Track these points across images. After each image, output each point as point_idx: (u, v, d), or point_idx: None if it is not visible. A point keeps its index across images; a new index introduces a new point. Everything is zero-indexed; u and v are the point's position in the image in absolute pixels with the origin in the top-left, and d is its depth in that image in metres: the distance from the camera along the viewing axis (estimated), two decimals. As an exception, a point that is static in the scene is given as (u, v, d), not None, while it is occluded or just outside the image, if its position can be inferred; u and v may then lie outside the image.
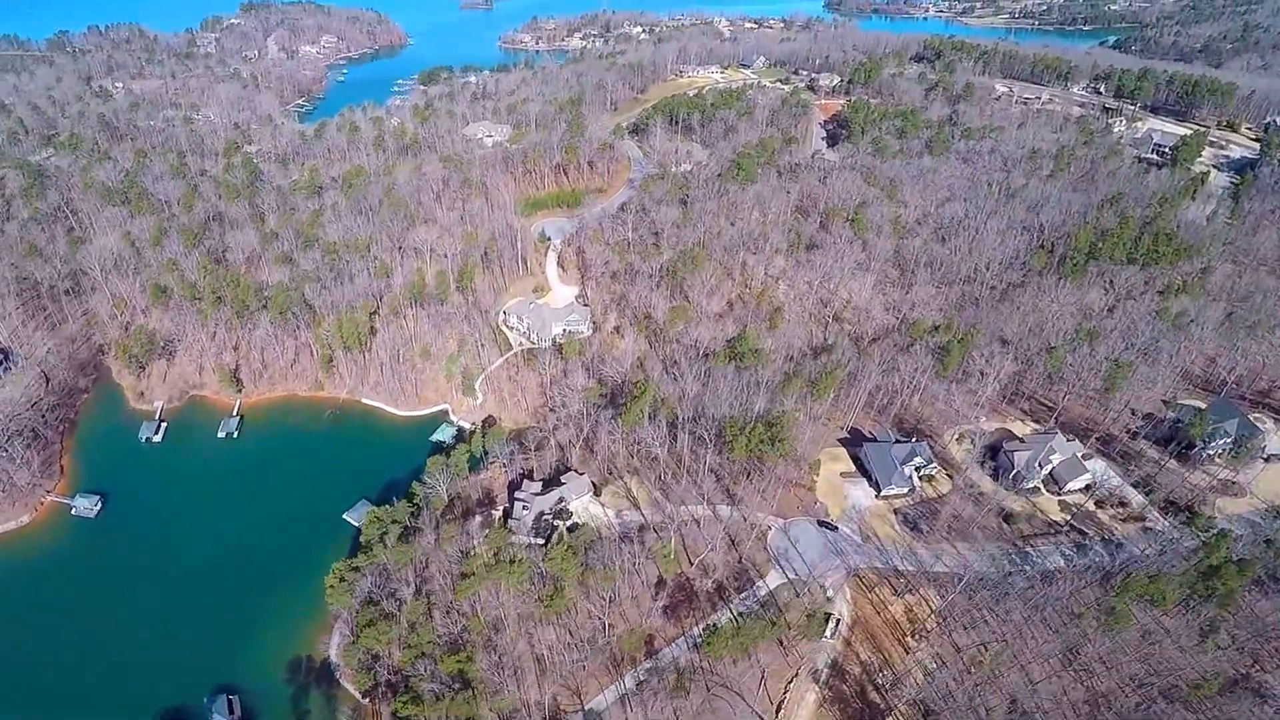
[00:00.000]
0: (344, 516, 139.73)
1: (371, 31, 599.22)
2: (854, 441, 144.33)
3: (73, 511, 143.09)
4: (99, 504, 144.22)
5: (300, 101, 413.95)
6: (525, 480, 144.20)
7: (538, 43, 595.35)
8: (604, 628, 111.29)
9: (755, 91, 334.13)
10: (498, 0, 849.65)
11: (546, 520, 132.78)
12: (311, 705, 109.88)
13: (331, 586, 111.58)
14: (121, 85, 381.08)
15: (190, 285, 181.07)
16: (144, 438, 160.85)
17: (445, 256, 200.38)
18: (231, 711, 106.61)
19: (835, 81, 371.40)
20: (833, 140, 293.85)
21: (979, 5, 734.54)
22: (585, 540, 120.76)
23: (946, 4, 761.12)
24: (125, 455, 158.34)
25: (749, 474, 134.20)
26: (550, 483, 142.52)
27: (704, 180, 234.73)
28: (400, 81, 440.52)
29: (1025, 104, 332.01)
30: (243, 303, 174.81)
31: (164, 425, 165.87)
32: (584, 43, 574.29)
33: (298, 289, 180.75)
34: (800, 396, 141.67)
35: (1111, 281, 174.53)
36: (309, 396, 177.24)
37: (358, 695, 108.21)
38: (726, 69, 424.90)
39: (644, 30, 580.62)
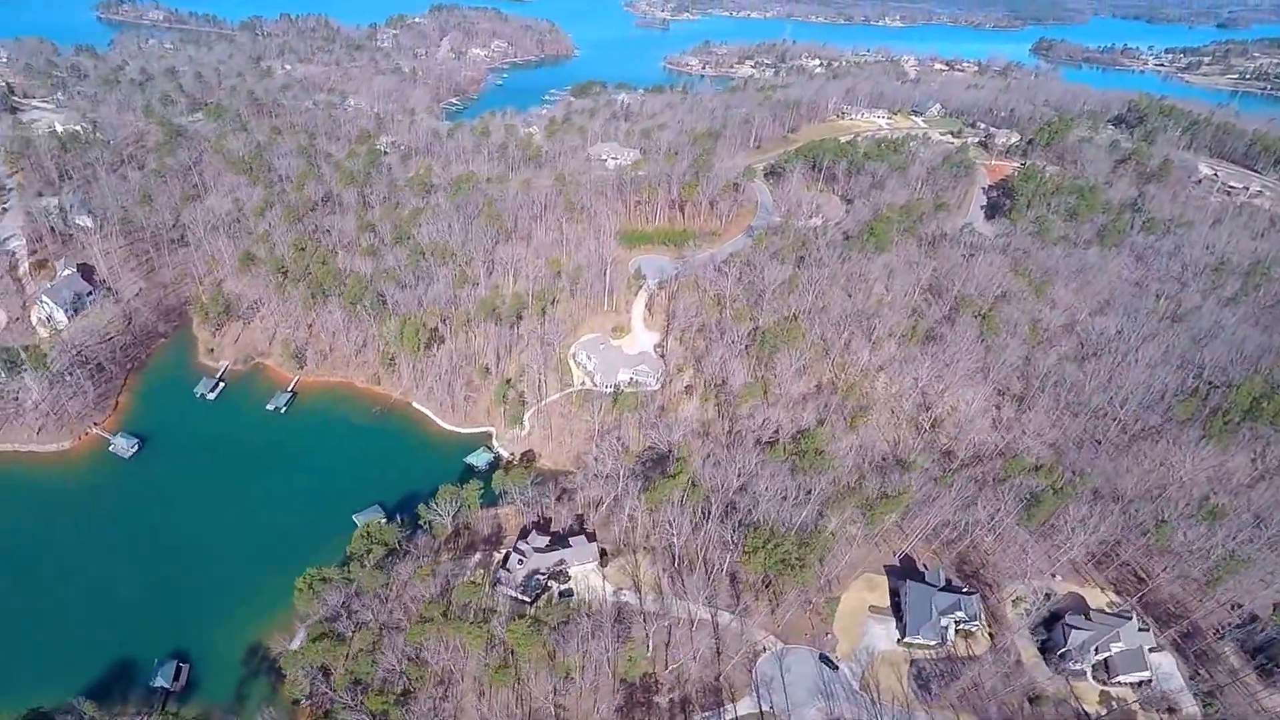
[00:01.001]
0: (353, 516, 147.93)
1: (541, 40, 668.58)
2: (900, 572, 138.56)
3: (110, 448, 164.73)
4: (136, 447, 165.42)
5: (453, 100, 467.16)
6: (535, 529, 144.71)
7: (704, 67, 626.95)
8: (553, 712, 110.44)
9: (918, 143, 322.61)
10: (675, 21, 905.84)
11: (539, 579, 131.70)
12: (251, 695, 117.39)
13: (300, 590, 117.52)
14: (289, 68, 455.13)
15: (277, 258, 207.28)
16: (199, 393, 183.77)
17: (528, 278, 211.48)
18: (177, 679, 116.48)
19: (1013, 140, 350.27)
20: (992, 211, 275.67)
21: (1206, 61, 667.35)
22: (561, 615, 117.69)
23: (1169, 56, 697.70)
24: (177, 406, 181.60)
25: (769, 583, 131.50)
26: (558, 540, 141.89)
27: (830, 240, 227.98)
28: (553, 91, 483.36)
29: (1228, 194, 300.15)
30: (320, 285, 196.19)
31: (222, 386, 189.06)
32: (754, 71, 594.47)
33: (375, 283, 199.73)
34: (853, 517, 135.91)
35: (1265, 449, 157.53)
36: (364, 389, 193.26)
37: (289, 701, 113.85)
38: (895, 114, 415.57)
39: (821, 64, 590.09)
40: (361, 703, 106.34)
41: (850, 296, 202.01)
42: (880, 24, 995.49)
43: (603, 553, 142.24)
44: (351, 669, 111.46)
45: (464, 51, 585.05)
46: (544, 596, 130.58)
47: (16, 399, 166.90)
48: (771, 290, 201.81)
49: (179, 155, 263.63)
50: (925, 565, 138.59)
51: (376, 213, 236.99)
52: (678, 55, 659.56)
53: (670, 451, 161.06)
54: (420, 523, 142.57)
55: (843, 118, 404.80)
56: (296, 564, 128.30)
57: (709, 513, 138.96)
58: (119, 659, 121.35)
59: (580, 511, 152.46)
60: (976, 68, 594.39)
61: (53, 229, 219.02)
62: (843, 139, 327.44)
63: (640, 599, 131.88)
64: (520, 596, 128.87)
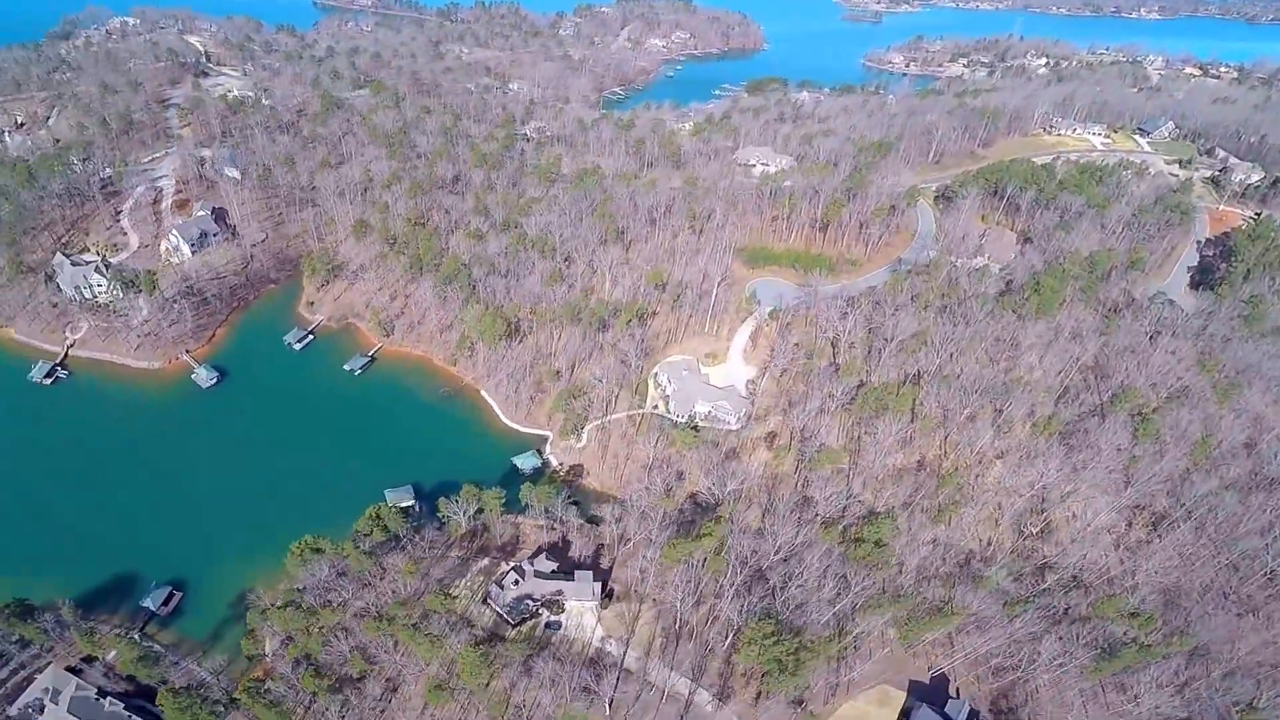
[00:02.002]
0: (385, 491, 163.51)
1: (727, 33, 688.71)
2: (926, 691, 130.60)
3: (192, 375, 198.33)
4: (215, 379, 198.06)
5: (616, 89, 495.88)
6: (548, 551, 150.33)
7: (908, 65, 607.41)
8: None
9: (1131, 173, 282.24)
10: (890, 14, 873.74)
11: (530, 604, 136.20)
12: (225, 639, 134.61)
13: (292, 553, 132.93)
14: (466, 51, 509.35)
15: (388, 229, 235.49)
16: (288, 342, 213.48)
17: (626, 285, 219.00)
18: (165, 604, 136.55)
19: (1254, 179, 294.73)
20: (1201, 276, 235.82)
21: None
22: (521, 651, 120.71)
23: None
24: (264, 350, 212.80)
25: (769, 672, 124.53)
26: (566, 568, 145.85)
27: (985, 290, 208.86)
28: (725, 86, 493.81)
29: None
30: (419, 260, 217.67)
31: (310, 339, 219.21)
32: (965, 70, 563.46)
33: (470, 266, 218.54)
34: (888, 624, 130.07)
35: None
36: (440, 367, 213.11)
37: (245, 656, 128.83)
38: (1115, 132, 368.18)
39: (1048, 64, 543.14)
40: (297, 678, 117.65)
41: (991, 363, 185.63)
42: (1133, 16, 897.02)
43: (610, 593, 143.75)
44: (305, 644, 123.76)
45: (641, 41, 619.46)
46: (529, 623, 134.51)
47: (126, 316, 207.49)
48: (896, 342, 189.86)
49: (330, 125, 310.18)
50: (957, 692, 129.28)
51: (495, 197, 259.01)
52: (881, 51, 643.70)
53: (720, 504, 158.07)
54: (439, 515, 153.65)
55: (1049, 133, 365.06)
56: (319, 523, 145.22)
57: (729, 584, 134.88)
58: (125, 572, 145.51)
59: (604, 542, 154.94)
60: (1236, 73, 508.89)
61: (200, 176, 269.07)
62: (1040, 160, 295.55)
63: (623, 654, 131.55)
64: (505, 617, 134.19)
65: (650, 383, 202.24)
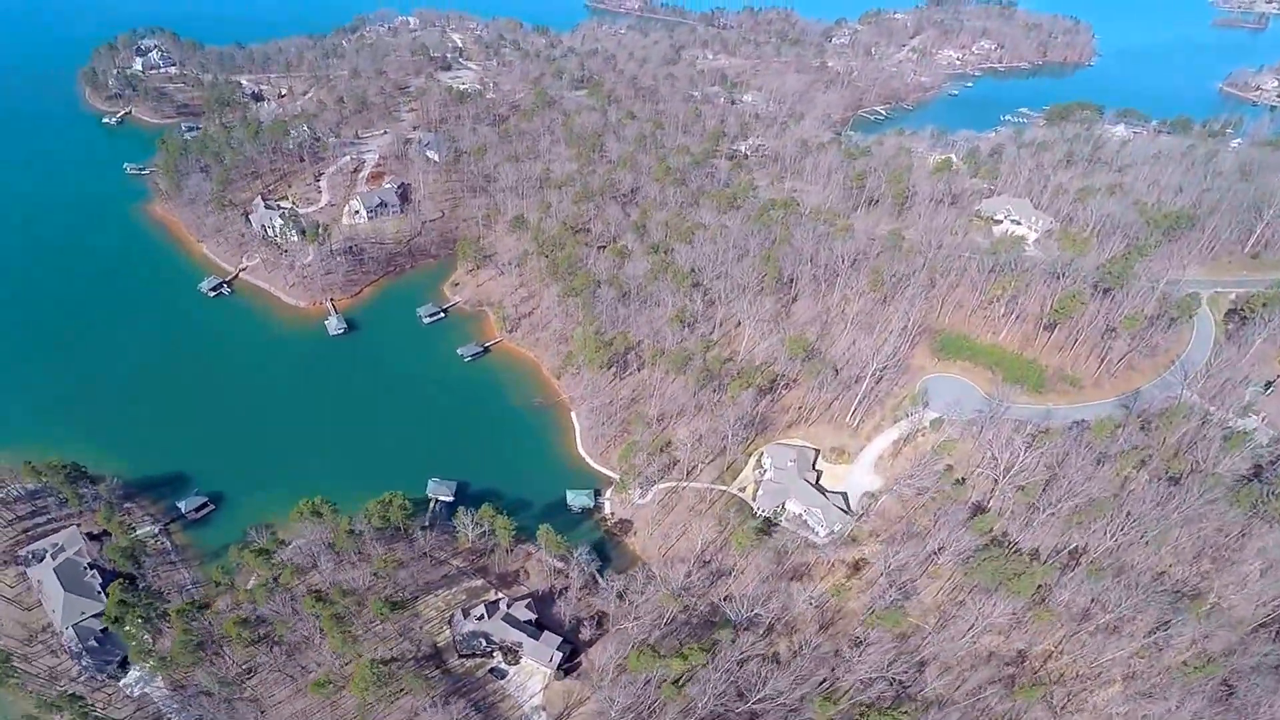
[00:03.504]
0: (430, 479, 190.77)
1: (1045, 44, 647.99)
2: None
3: (325, 320, 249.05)
4: (342, 330, 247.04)
5: (877, 108, 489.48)
6: (531, 599, 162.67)
7: None
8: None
9: None
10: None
11: (483, 645, 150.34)
12: (222, 558, 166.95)
13: (297, 509, 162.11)
14: (709, 57, 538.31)
15: (540, 229, 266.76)
16: (419, 315, 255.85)
17: (765, 345, 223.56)
18: (198, 511, 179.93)
19: None
20: None
21: None
22: (424, 689, 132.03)
23: None
24: (395, 316, 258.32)
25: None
26: (543, 622, 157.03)
27: (1232, 468, 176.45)
28: (1021, 111, 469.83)
29: None
30: (554, 265, 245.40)
31: (441, 316, 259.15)
32: None
33: (600, 284, 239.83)
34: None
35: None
36: (546, 376, 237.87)
37: (213, 581, 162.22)
38: None
39: None
40: (216, 622, 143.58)
41: (1184, 562, 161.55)
42: None
43: (575, 666, 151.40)
44: (251, 593, 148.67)
45: (931, 53, 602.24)
46: (477, 660, 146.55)
47: (292, 256, 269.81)
48: (1063, 508, 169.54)
49: (535, 121, 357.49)
50: None
51: (662, 216, 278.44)
52: (1250, 72, 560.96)
53: (736, 624, 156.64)
54: (453, 521, 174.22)
55: None
56: (364, 487, 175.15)
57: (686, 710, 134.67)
58: (183, 472, 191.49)
59: (595, 615, 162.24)
60: None
61: (403, 154, 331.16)
62: None
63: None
64: (456, 646, 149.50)
65: (751, 460, 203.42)
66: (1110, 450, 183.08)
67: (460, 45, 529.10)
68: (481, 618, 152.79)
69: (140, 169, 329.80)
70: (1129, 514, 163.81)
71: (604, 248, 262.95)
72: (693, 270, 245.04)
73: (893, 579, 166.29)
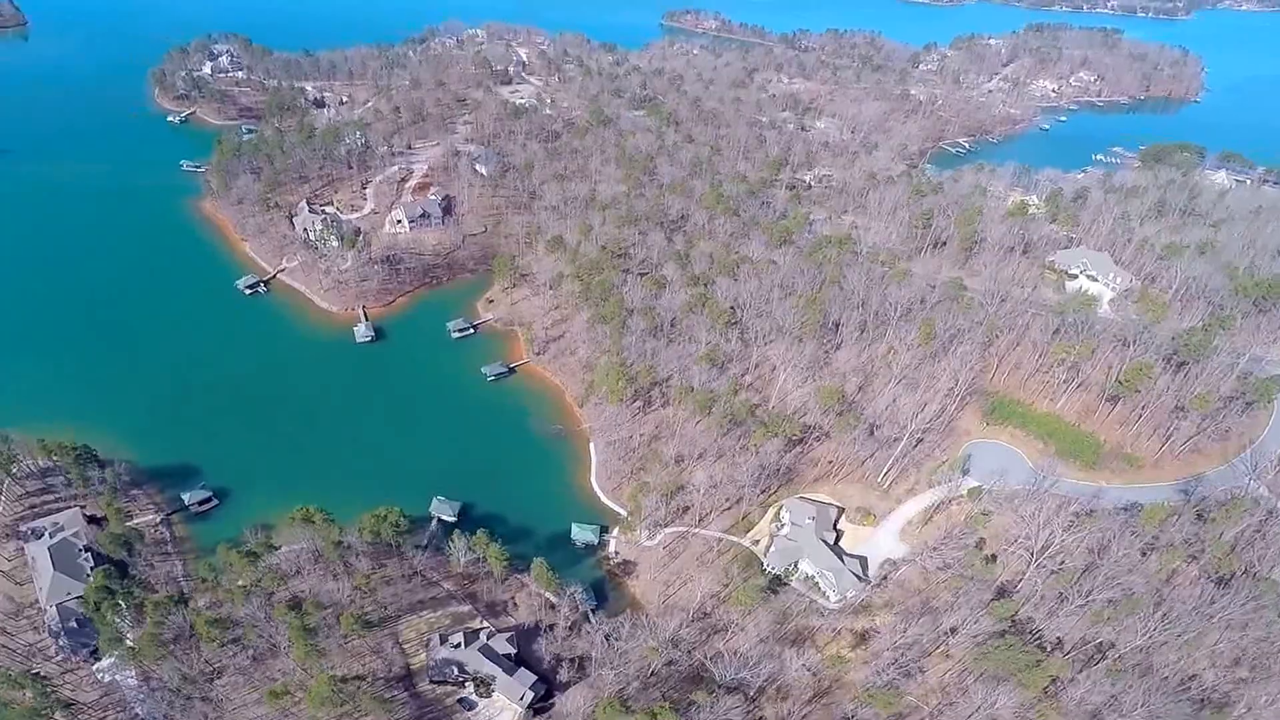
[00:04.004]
0: (435, 496, 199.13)
1: (1149, 76, 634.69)
2: None
3: (354, 327, 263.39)
4: (369, 338, 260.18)
5: (961, 141, 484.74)
6: (514, 634, 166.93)
7: None
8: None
9: None
10: None
11: (454, 674, 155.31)
12: (213, 553, 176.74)
13: (291, 515, 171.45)
14: (784, 80, 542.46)
15: (576, 252, 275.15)
16: (449, 329, 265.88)
17: (800, 394, 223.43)
18: (201, 505, 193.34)
19: None
20: None
21: None
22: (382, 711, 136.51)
23: None
24: (424, 328, 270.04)
25: None
26: (519, 658, 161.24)
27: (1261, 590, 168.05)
28: (1115, 150, 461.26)
29: None
30: (587, 289, 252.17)
31: (471, 332, 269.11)
32: None
33: (632, 314, 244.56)
34: None
35: None
36: (568, 403, 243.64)
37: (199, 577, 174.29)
38: None
39: None
40: (190, 616, 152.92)
41: (1220, 665, 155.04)
42: None
43: (547, 707, 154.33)
44: (230, 593, 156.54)
45: (1026, 83, 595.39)
46: (443, 689, 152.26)
47: (331, 261, 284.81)
48: (1097, 599, 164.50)
49: (587, 140, 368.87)
50: None
51: (707, 246, 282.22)
52: None
53: (720, 684, 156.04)
54: (449, 542, 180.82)
55: None
56: (369, 498, 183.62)
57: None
58: (193, 464, 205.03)
59: (578, 657, 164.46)
60: None
61: (451, 166, 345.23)
62: None
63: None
64: (429, 671, 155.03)
65: (770, 513, 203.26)
66: (1160, 540, 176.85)
67: (524, 60, 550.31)
68: (458, 646, 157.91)
69: (196, 166, 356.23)
70: (1165, 614, 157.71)
71: (643, 275, 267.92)
72: (732, 307, 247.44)
73: (898, 655, 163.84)
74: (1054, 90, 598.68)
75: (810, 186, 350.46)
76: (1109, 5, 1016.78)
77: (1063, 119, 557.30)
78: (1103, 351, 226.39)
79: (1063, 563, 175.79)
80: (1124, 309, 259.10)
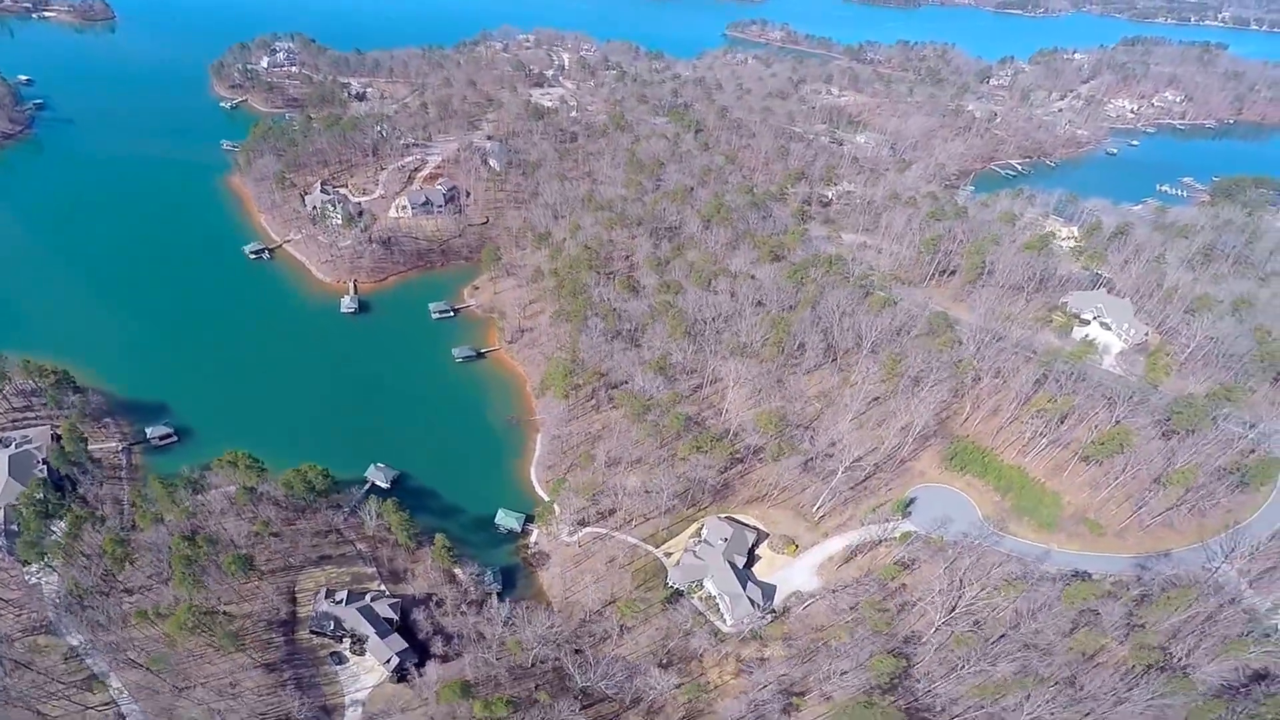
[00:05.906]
0: (373, 463, 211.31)
1: (1242, 97, 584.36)
2: None
3: (344, 297, 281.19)
4: (353, 310, 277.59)
5: (1013, 163, 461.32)
6: (404, 602, 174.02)
7: None
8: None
9: None
10: None
11: (330, 628, 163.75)
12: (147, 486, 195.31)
13: (223, 457, 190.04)
14: (834, 92, 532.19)
15: (559, 249, 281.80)
16: (431, 310, 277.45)
17: (749, 413, 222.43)
18: (161, 439, 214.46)
19: None
20: None
21: None
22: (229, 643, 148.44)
23: None
24: (408, 306, 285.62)
25: None
26: (401, 626, 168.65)
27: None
28: (1186, 181, 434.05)
29: None
30: (561, 289, 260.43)
31: (451, 315, 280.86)
32: None
33: (595, 314, 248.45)
34: None
35: None
36: (527, 394, 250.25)
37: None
38: None
39: None
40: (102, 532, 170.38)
41: None
42: None
43: (405, 675, 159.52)
44: (142, 518, 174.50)
45: (1101, 101, 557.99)
46: (319, 640, 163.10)
47: (333, 237, 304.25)
48: (1000, 669, 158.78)
49: (599, 143, 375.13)
50: None
51: (691, 255, 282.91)
52: None
53: (571, 688, 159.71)
54: (361, 506, 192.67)
55: None
56: (311, 453, 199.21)
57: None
58: (167, 401, 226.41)
59: (462, 634, 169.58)
60: None
61: (464, 159, 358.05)
62: None
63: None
64: (311, 625, 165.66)
65: (692, 528, 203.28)
66: (1101, 615, 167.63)
67: (565, 64, 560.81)
68: (340, 602, 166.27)
69: (233, 146, 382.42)
70: (1071, 695, 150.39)
71: (612, 276, 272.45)
72: (698, 321, 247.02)
73: (778, 689, 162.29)
74: (1132, 111, 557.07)
75: (830, 202, 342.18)
76: (1220, 17, 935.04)
77: (1134, 143, 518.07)
78: (1086, 408, 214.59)
79: (977, 624, 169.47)
80: (1133, 364, 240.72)
